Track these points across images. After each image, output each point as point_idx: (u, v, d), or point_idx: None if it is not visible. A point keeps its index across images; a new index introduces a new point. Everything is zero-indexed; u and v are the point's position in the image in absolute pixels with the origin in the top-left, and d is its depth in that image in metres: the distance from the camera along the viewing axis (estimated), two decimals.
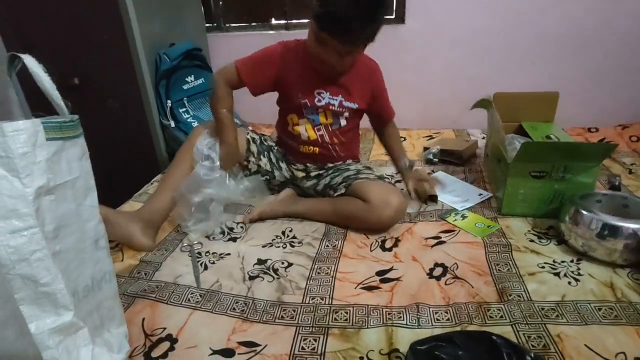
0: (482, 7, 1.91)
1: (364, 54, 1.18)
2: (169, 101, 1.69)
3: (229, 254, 1.06)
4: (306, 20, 2.05)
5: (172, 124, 1.70)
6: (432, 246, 1.06)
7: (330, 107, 1.21)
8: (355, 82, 1.22)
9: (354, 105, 1.23)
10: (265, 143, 1.36)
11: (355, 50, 1.10)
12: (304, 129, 1.25)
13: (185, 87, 1.76)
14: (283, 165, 1.34)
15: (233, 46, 2.16)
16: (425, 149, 1.71)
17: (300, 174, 1.32)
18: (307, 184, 1.32)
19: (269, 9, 2.16)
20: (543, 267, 0.95)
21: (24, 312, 0.52)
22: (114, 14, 1.52)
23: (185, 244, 1.11)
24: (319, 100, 1.21)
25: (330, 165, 1.31)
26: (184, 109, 1.74)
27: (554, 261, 0.97)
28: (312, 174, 1.32)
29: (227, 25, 2.20)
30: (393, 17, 2.02)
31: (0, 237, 0.51)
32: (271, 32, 2.14)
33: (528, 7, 1.87)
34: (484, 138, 1.78)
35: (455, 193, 1.33)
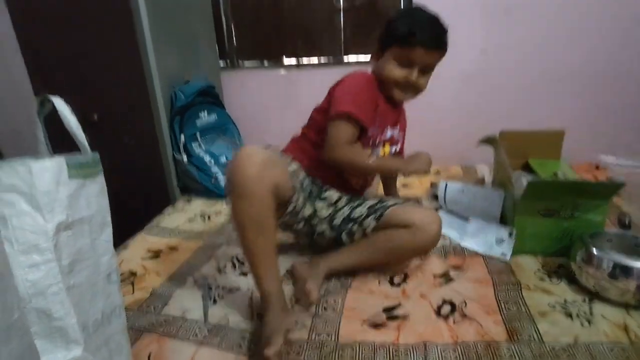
0: (491, 44, 1.97)
1: None
2: (182, 135, 1.74)
3: (238, 289, 1.06)
4: (316, 62, 2.14)
5: (185, 159, 1.74)
6: (441, 284, 1.06)
7: (393, 139, 1.23)
8: (402, 114, 1.29)
9: (401, 136, 1.28)
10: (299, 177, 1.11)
11: (440, 57, 1.12)
12: None
13: (198, 122, 1.82)
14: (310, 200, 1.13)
15: (245, 83, 2.24)
16: (432, 184, 1.71)
17: (325, 213, 1.13)
18: (324, 215, 1.13)
19: (281, 48, 2.25)
20: (554, 307, 0.94)
21: (38, 346, 0.53)
22: (133, 51, 1.59)
23: (199, 278, 1.11)
24: (385, 134, 1.19)
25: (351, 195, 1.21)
26: (196, 143, 1.79)
27: (565, 300, 0.96)
28: (334, 204, 1.16)
29: (240, 62, 2.28)
30: None
31: (21, 270, 0.53)
32: (282, 71, 2.22)
33: (537, 45, 1.92)
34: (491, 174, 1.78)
35: (475, 234, 1.27)
